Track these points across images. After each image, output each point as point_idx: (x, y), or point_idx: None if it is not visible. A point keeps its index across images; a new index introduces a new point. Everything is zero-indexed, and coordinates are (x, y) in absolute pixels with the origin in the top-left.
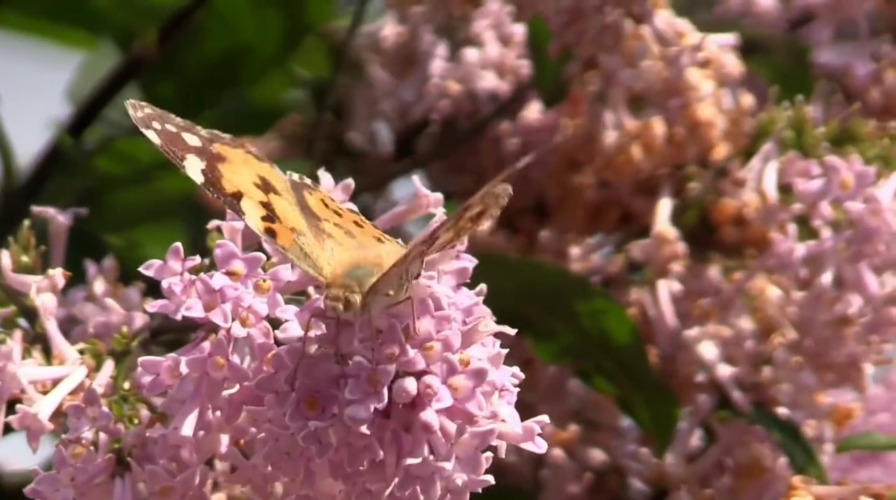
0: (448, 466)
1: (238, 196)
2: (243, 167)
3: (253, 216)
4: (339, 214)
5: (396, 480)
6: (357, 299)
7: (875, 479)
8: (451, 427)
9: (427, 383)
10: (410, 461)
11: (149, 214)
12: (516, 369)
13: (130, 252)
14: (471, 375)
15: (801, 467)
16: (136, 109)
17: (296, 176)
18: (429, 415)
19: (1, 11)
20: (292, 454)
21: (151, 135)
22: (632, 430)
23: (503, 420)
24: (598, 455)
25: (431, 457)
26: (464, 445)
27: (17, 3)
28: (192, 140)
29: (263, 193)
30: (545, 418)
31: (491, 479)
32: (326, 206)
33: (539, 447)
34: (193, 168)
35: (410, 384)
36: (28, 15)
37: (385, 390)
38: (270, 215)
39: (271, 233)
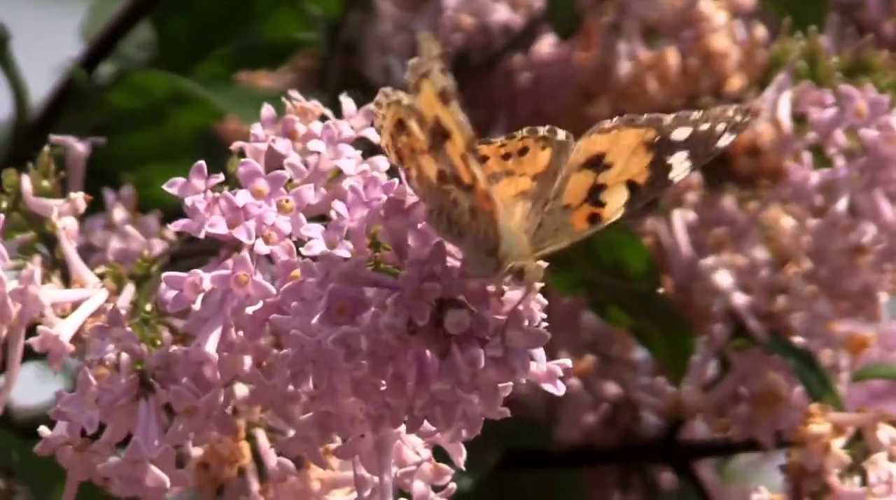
0: (475, 399)
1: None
2: None
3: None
4: None
5: (418, 400)
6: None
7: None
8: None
9: (485, 323)
10: (439, 385)
11: (162, 152)
12: (542, 299)
13: (144, 190)
14: (529, 336)
15: (816, 395)
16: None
17: None
18: (478, 355)
19: None
20: (317, 362)
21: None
22: (646, 363)
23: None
24: (612, 388)
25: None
26: (487, 377)
27: None
28: None
29: None
30: (567, 362)
31: (507, 412)
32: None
33: (558, 389)
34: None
35: (464, 318)
36: None
37: (427, 309)
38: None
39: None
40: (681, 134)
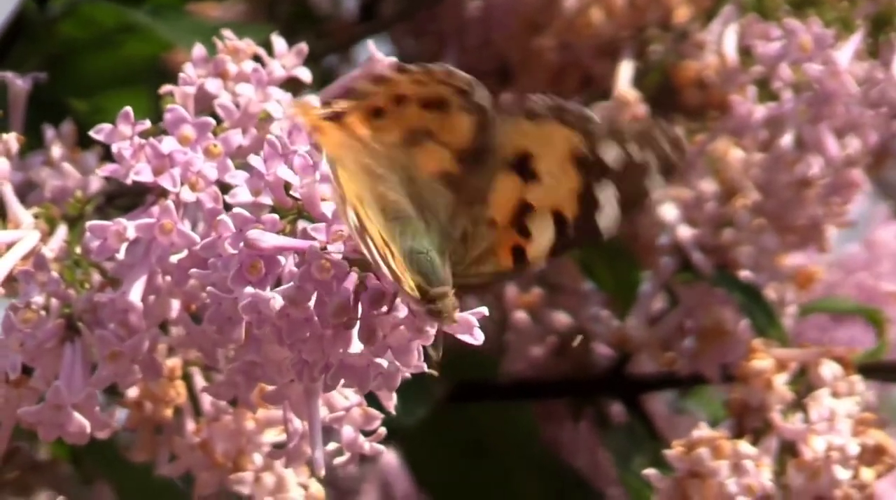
0: (384, 362)
1: None
2: None
3: None
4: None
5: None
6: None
7: (856, 335)
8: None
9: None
10: (350, 351)
11: (115, 79)
12: None
13: (96, 117)
14: None
15: (762, 329)
16: None
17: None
18: (386, 321)
19: None
20: (234, 320)
21: None
22: (596, 293)
23: None
24: (562, 319)
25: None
26: (398, 336)
27: None
28: None
29: None
30: (484, 310)
31: (424, 367)
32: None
33: (476, 339)
34: None
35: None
36: None
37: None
38: None
39: None
40: (610, 154)
